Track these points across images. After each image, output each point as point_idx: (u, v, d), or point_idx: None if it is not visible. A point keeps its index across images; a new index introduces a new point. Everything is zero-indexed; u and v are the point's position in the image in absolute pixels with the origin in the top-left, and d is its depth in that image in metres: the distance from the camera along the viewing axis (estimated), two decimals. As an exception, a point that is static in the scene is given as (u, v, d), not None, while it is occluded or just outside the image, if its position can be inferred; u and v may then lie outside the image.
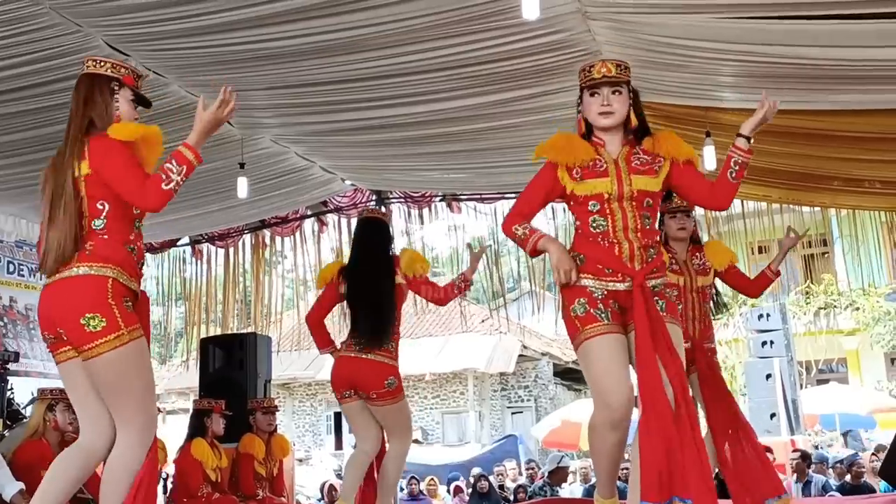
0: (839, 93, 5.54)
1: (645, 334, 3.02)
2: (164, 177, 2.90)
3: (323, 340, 4.99)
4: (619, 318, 3.11)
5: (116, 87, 3.16)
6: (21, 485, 4.97)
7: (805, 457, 8.25)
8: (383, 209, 9.20)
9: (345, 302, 4.96)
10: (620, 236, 3.11)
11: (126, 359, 2.93)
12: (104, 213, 3.02)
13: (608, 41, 5.22)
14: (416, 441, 18.80)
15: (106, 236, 3.01)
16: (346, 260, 5.21)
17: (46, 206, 3.05)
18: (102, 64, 3.19)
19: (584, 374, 3.13)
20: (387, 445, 4.94)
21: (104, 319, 2.91)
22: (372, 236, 4.99)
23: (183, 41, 5.26)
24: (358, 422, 4.89)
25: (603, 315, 3.07)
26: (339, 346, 4.92)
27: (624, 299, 3.11)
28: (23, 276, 8.61)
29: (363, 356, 4.70)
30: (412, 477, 10.52)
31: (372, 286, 4.80)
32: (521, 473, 12.09)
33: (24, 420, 6.45)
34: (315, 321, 5.01)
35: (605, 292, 3.09)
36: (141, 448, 2.99)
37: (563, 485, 9.09)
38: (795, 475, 8.16)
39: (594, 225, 3.14)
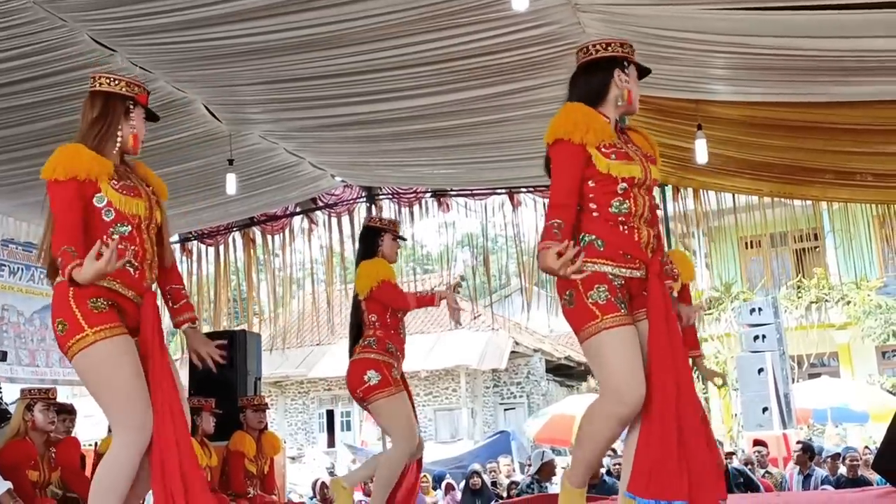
0: (831, 84, 5.52)
1: (661, 325, 2.95)
2: (60, 259, 2.87)
3: None
4: (630, 308, 3.02)
5: (132, 106, 3.14)
6: (9, 484, 4.93)
7: (807, 449, 8.23)
8: (374, 211, 9.17)
9: None
10: (639, 222, 3.02)
11: (94, 359, 2.91)
12: None
13: (598, 33, 5.17)
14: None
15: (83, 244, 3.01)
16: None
17: None
18: (117, 82, 3.15)
19: (596, 364, 2.98)
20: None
21: (66, 322, 2.91)
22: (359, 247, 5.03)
23: (169, 36, 5.20)
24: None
25: (622, 305, 2.95)
26: None
27: (635, 288, 3.03)
28: (1, 276, 8.43)
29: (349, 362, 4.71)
30: (405, 474, 10.45)
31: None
32: (515, 469, 12.04)
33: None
34: None
35: (623, 280, 2.99)
36: (135, 449, 2.95)
37: (553, 479, 9.04)
38: (798, 467, 8.15)
39: (616, 207, 3.00)
